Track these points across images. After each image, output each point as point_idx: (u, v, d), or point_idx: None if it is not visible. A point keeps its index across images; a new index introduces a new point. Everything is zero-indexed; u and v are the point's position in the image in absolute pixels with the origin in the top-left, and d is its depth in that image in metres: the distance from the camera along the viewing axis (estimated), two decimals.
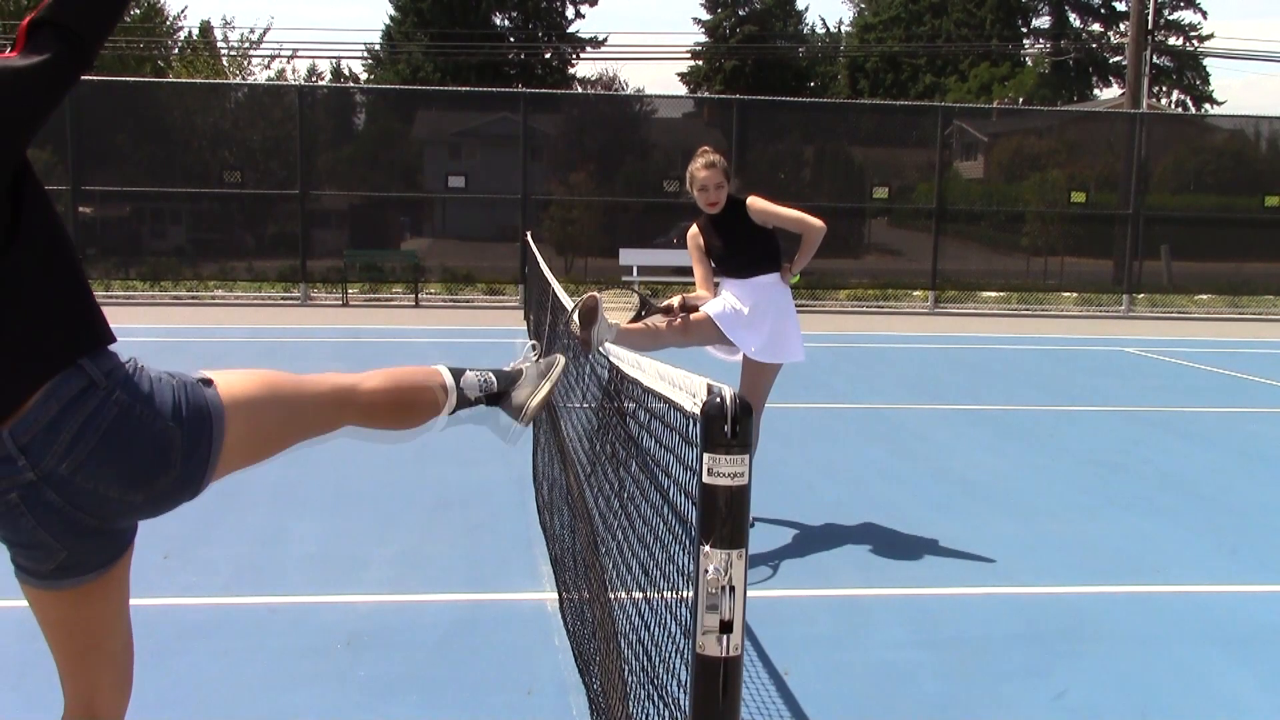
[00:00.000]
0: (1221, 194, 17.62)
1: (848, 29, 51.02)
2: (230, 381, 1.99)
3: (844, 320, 14.63)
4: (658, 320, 4.50)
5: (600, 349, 3.41)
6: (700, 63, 44.67)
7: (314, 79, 36.51)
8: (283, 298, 15.79)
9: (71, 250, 1.86)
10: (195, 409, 1.91)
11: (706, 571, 1.46)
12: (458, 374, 2.47)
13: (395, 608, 3.97)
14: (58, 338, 1.79)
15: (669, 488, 2.02)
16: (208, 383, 1.97)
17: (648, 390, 2.18)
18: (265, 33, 53.82)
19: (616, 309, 4.31)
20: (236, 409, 1.96)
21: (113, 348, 1.89)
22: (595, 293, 3.83)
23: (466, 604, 4.02)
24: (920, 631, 3.86)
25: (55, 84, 1.78)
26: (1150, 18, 24.15)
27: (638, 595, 2.32)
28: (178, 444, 1.87)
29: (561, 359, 2.67)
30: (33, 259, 1.77)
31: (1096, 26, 46.39)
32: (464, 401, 2.45)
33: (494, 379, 2.54)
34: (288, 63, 40.39)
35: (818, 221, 4.69)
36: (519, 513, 5.09)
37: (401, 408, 2.35)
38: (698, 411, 1.53)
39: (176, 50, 33.94)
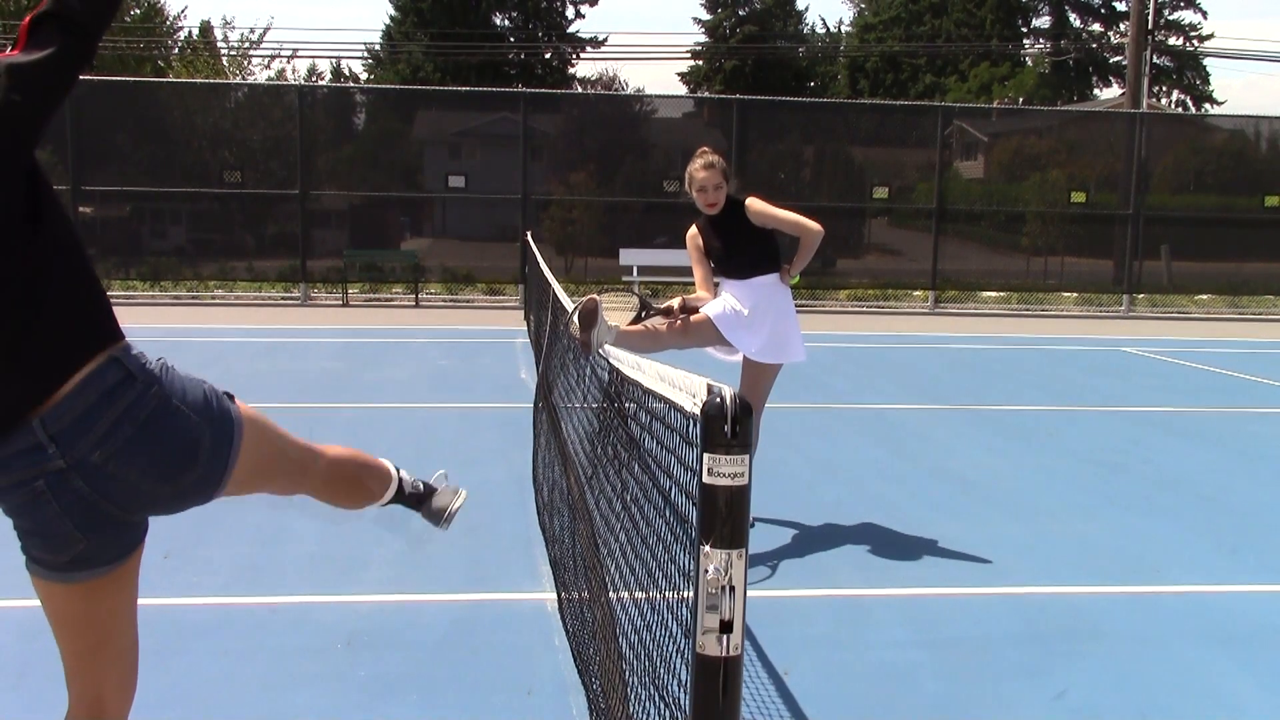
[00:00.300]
0: (1221, 194, 17.62)
1: (848, 29, 51.06)
2: (244, 405, 2.10)
3: (844, 320, 14.63)
4: (657, 322, 4.49)
5: (600, 351, 3.41)
6: (700, 63, 44.68)
7: (314, 79, 36.52)
8: (283, 298, 15.79)
9: (85, 250, 1.91)
10: (222, 413, 1.99)
11: (706, 571, 1.46)
12: (398, 468, 2.69)
13: (395, 608, 3.97)
14: (85, 330, 1.84)
15: (669, 488, 2.03)
16: (230, 396, 2.07)
17: (648, 391, 2.18)
18: (265, 33, 53.88)
19: (616, 310, 4.31)
20: (251, 426, 2.06)
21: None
22: (595, 295, 3.83)
23: (466, 604, 4.02)
24: (920, 631, 3.86)
25: (62, 76, 1.81)
26: (1150, 18, 24.15)
27: (638, 595, 2.32)
28: (205, 442, 1.94)
29: (465, 493, 2.88)
30: (54, 254, 1.81)
31: (1096, 26, 46.41)
32: (399, 494, 2.66)
33: (422, 484, 2.77)
34: (288, 63, 40.38)
35: (815, 225, 4.69)
36: (519, 513, 5.09)
37: (354, 483, 2.51)
38: (698, 412, 1.53)
39: (176, 50, 33.94)
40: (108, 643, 2.03)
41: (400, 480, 2.66)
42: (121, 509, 1.89)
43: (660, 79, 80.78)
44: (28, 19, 1.80)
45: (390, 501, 2.65)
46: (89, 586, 1.94)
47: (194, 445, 1.92)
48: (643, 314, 4.46)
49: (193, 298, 15.71)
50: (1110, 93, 43.86)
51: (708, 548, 1.46)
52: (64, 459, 1.79)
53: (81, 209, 14.99)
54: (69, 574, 1.92)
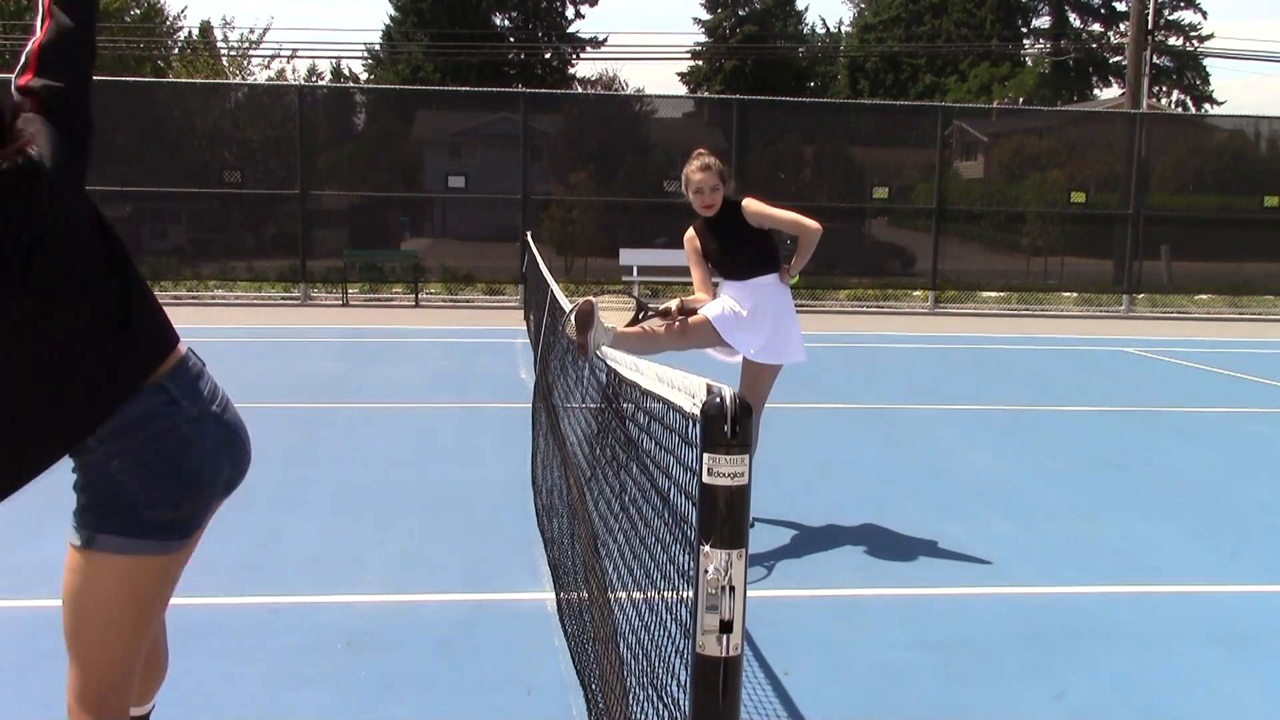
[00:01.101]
0: (1221, 194, 17.62)
1: (848, 29, 51.09)
2: None
3: (844, 320, 14.63)
4: (655, 324, 4.49)
5: (598, 353, 3.41)
6: (700, 63, 44.68)
7: (314, 79, 36.51)
8: (283, 298, 15.79)
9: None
10: None
11: (706, 572, 1.46)
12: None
13: (395, 608, 3.97)
14: (163, 320, 2.09)
15: (669, 489, 2.03)
16: None
17: (646, 392, 2.18)
18: (265, 33, 53.86)
19: (613, 311, 4.30)
20: None
21: None
22: (591, 297, 3.83)
23: (466, 604, 4.02)
24: (920, 631, 3.86)
25: (79, 73, 2.15)
26: (1150, 18, 24.14)
27: (638, 596, 2.32)
28: None
29: None
30: (124, 253, 2.04)
31: (1096, 26, 46.43)
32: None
33: None
34: (288, 63, 40.35)
35: (814, 223, 4.68)
36: (519, 513, 5.09)
37: (161, 663, 2.52)
38: (697, 412, 1.53)
39: (176, 50, 33.94)
40: (153, 625, 2.11)
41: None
42: (232, 457, 2.12)
43: (660, 79, 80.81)
44: (35, 45, 2.08)
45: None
46: (175, 559, 2.05)
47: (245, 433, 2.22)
48: (640, 315, 4.45)
49: (193, 298, 15.71)
50: (1110, 93, 43.89)
51: (707, 548, 1.46)
52: (196, 409, 2.04)
53: None
54: (173, 540, 2.02)
